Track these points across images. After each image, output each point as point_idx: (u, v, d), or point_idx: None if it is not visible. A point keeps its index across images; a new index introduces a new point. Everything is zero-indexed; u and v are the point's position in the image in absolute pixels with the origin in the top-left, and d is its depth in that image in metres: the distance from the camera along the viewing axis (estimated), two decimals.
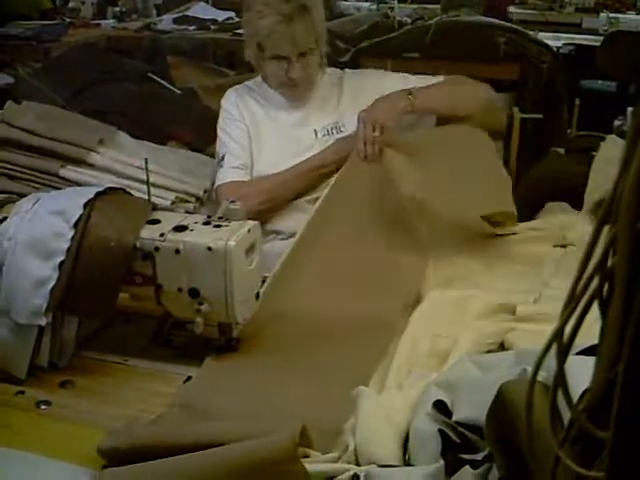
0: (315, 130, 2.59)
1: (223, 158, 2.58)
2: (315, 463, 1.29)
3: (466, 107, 2.53)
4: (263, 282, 1.89)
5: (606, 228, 0.61)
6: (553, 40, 5.27)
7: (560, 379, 0.69)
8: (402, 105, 2.39)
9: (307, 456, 1.31)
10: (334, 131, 2.58)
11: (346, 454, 1.31)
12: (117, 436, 1.38)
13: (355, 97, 2.60)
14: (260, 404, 1.56)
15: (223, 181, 2.54)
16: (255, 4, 2.44)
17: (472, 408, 1.21)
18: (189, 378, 1.67)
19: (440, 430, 1.24)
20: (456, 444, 1.23)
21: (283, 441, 1.22)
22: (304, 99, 2.62)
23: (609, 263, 0.61)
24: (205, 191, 2.66)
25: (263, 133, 2.61)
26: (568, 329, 0.66)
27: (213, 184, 2.62)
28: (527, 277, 2.09)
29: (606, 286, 0.63)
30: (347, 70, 2.76)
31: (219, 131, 2.65)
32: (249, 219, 1.76)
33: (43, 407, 1.57)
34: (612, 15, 6.16)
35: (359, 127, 2.34)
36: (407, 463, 1.28)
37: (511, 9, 6.70)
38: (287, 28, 2.38)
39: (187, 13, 6.17)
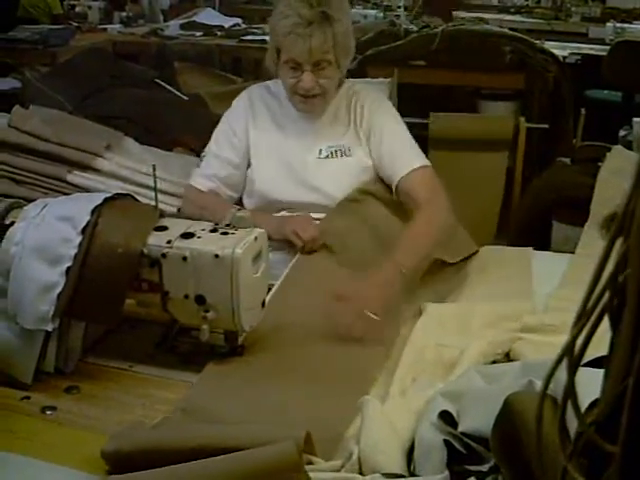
0: (320, 149, 2.48)
1: (202, 160, 2.58)
2: (319, 472, 1.29)
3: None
4: (269, 290, 1.89)
5: (618, 242, 0.61)
6: (559, 49, 5.28)
7: (570, 392, 0.69)
8: (396, 287, 1.97)
9: (310, 463, 1.31)
10: (338, 153, 2.47)
11: (350, 462, 1.31)
12: (120, 439, 1.38)
13: (364, 135, 2.48)
14: (262, 409, 1.56)
15: (192, 182, 2.50)
16: (279, 5, 2.38)
17: (478, 419, 1.20)
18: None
19: (445, 440, 1.24)
20: (461, 455, 1.23)
21: (288, 450, 1.22)
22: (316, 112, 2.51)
23: (620, 278, 0.61)
24: None
25: (265, 140, 2.52)
26: (578, 343, 0.66)
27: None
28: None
29: (617, 300, 0.63)
30: (362, 91, 2.58)
31: (219, 125, 2.58)
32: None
33: (48, 412, 1.57)
34: (618, 25, 6.17)
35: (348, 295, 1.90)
36: (412, 473, 1.28)
37: (517, 18, 6.71)
38: (304, 31, 2.29)
39: (194, 19, 6.19)
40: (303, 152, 2.48)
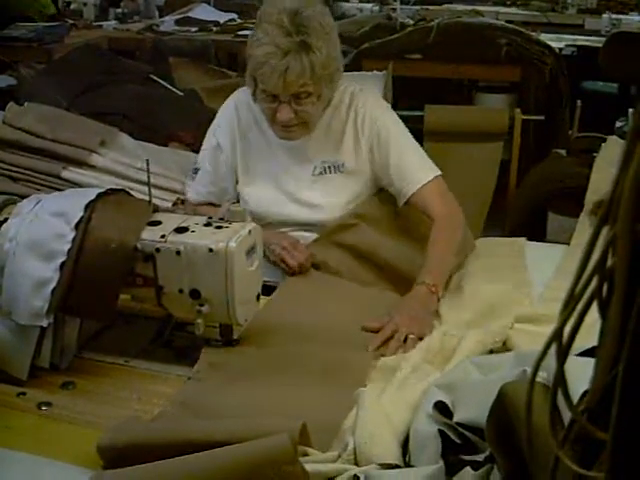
0: (315, 165, 2.35)
1: (196, 172, 2.46)
2: (315, 463, 1.29)
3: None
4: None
5: (605, 229, 0.61)
6: (555, 41, 5.28)
7: (560, 379, 0.69)
8: (433, 310, 1.97)
9: (306, 454, 1.31)
10: (332, 169, 2.34)
11: (345, 453, 1.31)
12: (115, 434, 1.38)
13: (365, 145, 2.33)
14: (259, 402, 1.56)
15: (191, 197, 2.47)
16: (257, 29, 2.19)
17: (473, 409, 1.21)
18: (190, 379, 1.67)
19: (440, 431, 1.24)
20: (456, 445, 1.23)
21: (283, 442, 1.22)
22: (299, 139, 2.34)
23: (608, 264, 0.61)
24: None
25: (254, 157, 2.39)
26: (567, 329, 0.66)
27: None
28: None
29: (605, 286, 0.63)
30: (360, 97, 2.39)
31: (207, 137, 2.48)
32: None
33: (44, 408, 1.57)
34: (614, 16, 6.17)
35: (389, 324, 1.85)
36: (407, 464, 1.28)
37: (513, 10, 6.71)
38: (279, 63, 2.10)
39: (189, 14, 6.19)
40: (296, 170, 2.37)
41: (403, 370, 1.56)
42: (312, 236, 2.32)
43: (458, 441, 1.23)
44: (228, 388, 1.61)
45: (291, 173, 2.36)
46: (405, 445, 1.32)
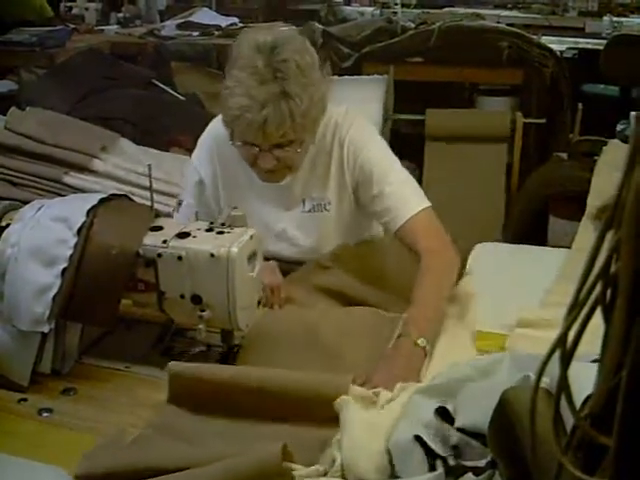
0: (304, 199, 2.22)
1: (180, 204, 2.28)
2: (303, 478, 1.28)
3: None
4: None
5: (610, 234, 0.60)
6: (556, 44, 5.27)
7: (563, 385, 0.69)
8: (419, 367, 1.74)
9: (291, 470, 1.30)
10: (318, 208, 2.22)
11: (333, 469, 1.29)
12: (93, 460, 1.35)
13: (350, 180, 2.18)
14: (238, 424, 1.51)
15: None
16: (229, 75, 2.00)
17: (475, 414, 1.20)
18: None
19: (417, 436, 1.24)
20: (458, 450, 1.23)
21: (269, 456, 1.23)
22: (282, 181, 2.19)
23: (612, 269, 0.61)
24: None
25: (240, 195, 2.22)
26: (571, 335, 0.66)
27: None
28: None
29: (609, 292, 0.63)
30: (344, 125, 2.20)
31: (188, 170, 2.33)
32: None
33: (45, 414, 1.57)
34: (615, 19, 6.17)
35: (367, 386, 1.58)
36: (395, 476, 1.27)
37: (514, 13, 6.71)
38: (257, 116, 1.92)
39: (191, 19, 6.19)
40: (284, 208, 2.24)
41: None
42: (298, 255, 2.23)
43: (430, 443, 1.22)
44: (207, 411, 1.55)
45: (279, 211, 2.24)
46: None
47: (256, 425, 1.50)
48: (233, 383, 1.52)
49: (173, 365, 1.56)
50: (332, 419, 1.37)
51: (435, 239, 2.07)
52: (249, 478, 1.24)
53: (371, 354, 1.78)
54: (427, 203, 2.13)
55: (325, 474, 1.30)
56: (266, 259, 2.05)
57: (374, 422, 1.35)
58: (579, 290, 0.62)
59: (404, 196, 2.13)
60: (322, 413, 1.41)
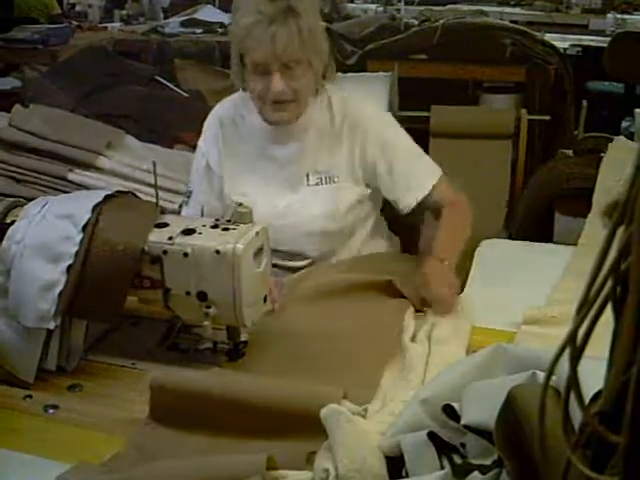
0: (307, 174, 2.24)
1: (189, 195, 2.32)
2: None
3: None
4: None
5: (620, 230, 0.60)
6: (560, 41, 5.27)
7: (573, 382, 0.69)
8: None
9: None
10: (326, 180, 2.24)
11: None
12: None
13: (360, 151, 2.24)
14: (220, 440, 1.45)
15: None
16: (238, 3, 2.11)
17: (481, 412, 1.20)
18: None
19: (430, 433, 1.23)
20: (464, 448, 1.22)
21: (253, 461, 1.24)
22: (296, 132, 2.23)
23: (623, 266, 0.60)
24: None
25: (244, 173, 2.28)
26: (581, 332, 0.65)
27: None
28: None
29: (620, 289, 0.63)
30: (353, 103, 2.30)
31: (196, 156, 2.36)
32: None
33: (51, 411, 1.57)
34: (619, 16, 6.15)
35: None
36: (405, 476, 1.26)
37: (517, 10, 6.70)
38: (267, 30, 2.01)
39: (194, 16, 6.18)
40: (289, 182, 2.26)
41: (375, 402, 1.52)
42: (311, 248, 2.25)
43: (447, 440, 1.22)
44: (187, 431, 1.49)
45: (283, 189, 2.26)
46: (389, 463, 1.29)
47: (240, 442, 1.44)
48: (217, 396, 1.47)
49: (154, 378, 1.51)
50: (320, 432, 1.32)
51: (457, 199, 2.25)
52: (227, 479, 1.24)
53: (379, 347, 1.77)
54: (440, 171, 2.29)
55: None
56: (277, 237, 2.09)
57: (364, 430, 1.32)
58: (589, 287, 0.62)
59: (423, 169, 2.29)
60: (310, 427, 1.35)
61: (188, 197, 2.31)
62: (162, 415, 1.50)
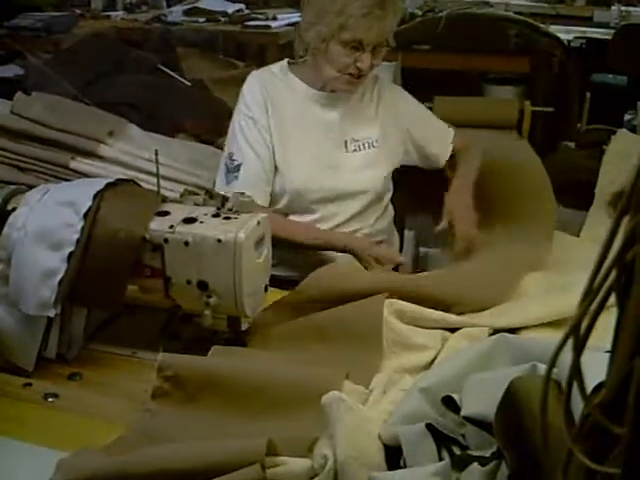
0: (346, 141, 2.40)
1: (238, 169, 2.31)
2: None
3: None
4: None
5: (625, 220, 0.60)
6: (564, 33, 5.26)
7: (575, 373, 0.68)
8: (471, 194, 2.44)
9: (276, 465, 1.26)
10: (365, 146, 2.41)
11: (327, 467, 1.25)
12: (70, 471, 1.29)
13: (403, 127, 2.50)
14: (225, 421, 1.45)
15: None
16: None
17: (481, 404, 1.19)
18: None
19: (428, 425, 1.23)
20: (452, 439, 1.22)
21: (252, 446, 1.24)
22: (343, 98, 2.41)
23: (628, 255, 0.60)
24: (215, 183, 2.64)
25: (290, 132, 2.36)
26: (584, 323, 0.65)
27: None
28: None
29: (624, 278, 0.62)
30: (382, 79, 2.57)
31: (235, 126, 2.37)
32: None
33: (51, 399, 1.57)
34: (624, 8, 6.13)
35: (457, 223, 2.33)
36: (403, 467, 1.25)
37: (522, 1, 6.67)
38: (380, 13, 2.17)
39: (197, 5, 6.17)
40: (331, 148, 2.39)
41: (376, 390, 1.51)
42: (354, 206, 2.42)
43: (446, 432, 1.22)
44: (190, 416, 1.49)
45: (326, 152, 2.38)
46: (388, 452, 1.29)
47: (242, 424, 1.44)
48: (223, 376, 1.49)
49: (163, 359, 1.52)
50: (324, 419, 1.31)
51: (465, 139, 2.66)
52: (226, 463, 1.23)
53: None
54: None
55: (315, 475, 1.26)
56: (322, 198, 2.39)
57: (366, 419, 1.32)
58: (594, 276, 0.61)
59: (444, 126, 2.63)
60: (314, 414, 1.34)
61: (237, 170, 2.32)
62: (166, 396, 1.50)
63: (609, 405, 0.70)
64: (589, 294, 0.62)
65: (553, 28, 5.16)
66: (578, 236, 2.35)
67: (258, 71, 2.48)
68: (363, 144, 2.41)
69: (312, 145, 2.37)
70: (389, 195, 2.56)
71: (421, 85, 3.99)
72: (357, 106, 2.43)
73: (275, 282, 1.87)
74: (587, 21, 6.29)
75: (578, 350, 0.65)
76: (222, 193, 1.99)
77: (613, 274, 0.61)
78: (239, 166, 2.32)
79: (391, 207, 2.60)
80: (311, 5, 2.29)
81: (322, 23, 2.24)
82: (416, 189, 2.71)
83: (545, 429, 0.78)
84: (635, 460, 0.66)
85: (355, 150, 2.40)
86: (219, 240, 1.60)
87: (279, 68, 2.45)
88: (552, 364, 0.70)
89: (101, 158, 2.63)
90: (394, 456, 1.27)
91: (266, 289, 1.76)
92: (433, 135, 2.58)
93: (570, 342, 0.68)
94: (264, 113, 2.35)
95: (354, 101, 2.42)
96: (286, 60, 2.47)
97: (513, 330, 1.69)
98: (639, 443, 0.65)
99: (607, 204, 2.42)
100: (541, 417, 0.76)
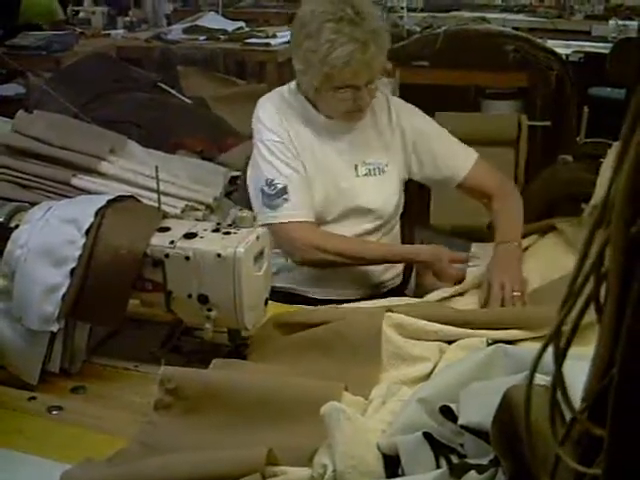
0: (356, 165, 2.37)
1: (285, 191, 2.25)
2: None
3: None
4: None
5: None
6: (562, 48, 5.27)
7: (558, 380, 0.70)
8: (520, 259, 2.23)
9: (275, 475, 1.29)
10: (376, 172, 2.38)
11: (326, 477, 1.24)
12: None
13: (409, 144, 2.43)
14: (222, 439, 1.46)
15: (294, 219, 2.25)
16: (321, 33, 2.14)
17: (478, 412, 1.21)
18: None
19: (425, 433, 1.25)
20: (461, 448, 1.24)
21: (252, 455, 1.26)
22: (351, 125, 2.38)
23: (604, 266, 0.62)
24: (215, 199, 2.67)
25: (307, 156, 2.34)
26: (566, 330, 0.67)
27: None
28: None
29: (602, 288, 0.64)
30: (393, 99, 2.51)
31: (265, 154, 2.31)
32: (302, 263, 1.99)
33: (54, 412, 1.59)
34: (621, 22, 6.15)
35: (495, 287, 2.05)
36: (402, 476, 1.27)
37: (520, 17, 6.70)
38: (364, 55, 2.13)
39: (197, 23, 6.19)
40: (340, 173, 2.37)
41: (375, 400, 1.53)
42: (363, 226, 2.39)
43: (443, 440, 1.24)
44: (191, 428, 1.50)
45: (336, 176, 2.36)
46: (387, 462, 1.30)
47: (243, 435, 1.45)
48: (225, 386, 1.51)
49: (164, 369, 1.54)
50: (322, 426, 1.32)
51: (501, 179, 2.50)
52: (227, 473, 1.25)
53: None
54: (476, 153, 2.49)
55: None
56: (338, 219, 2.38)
57: (365, 428, 1.33)
58: (572, 284, 0.64)
59: (462, 149, 2.48)
60: (315, 425, 1.34)
61: (285, 192, 2.26)
62: (167, 408, 1.51)
63: (592, 411, 0.72)
64: (567, 302, 0.64)
65: (551, 43, 5.18)
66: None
67: (269, 96, 2.42)
68: (374, 169, 2.38)
69: (324, 175, 2.34)
70: (398, 216, 2.54)
71: (419, 101, 4.01)
72: (371, 131, 2.40)
73: (275, 295, 1.89)
74: (585, 35, 6.31)
75: (559, 357, 0.68)
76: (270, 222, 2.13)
77: (590, 284, 0.64)
78: (285, 188, 2.26)
79: (398, 225, 2.57)
80: (297, 54, 2.27)
81: (310, 73, 2.23)
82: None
83: (530, 435, 0.81)
84: (616, 461, 0.68)
85: (366, 174, 2.37)
86: (219, 255, 1.62)
87: (288, 91, 2.40)
88: (533, 370, 0.72)
89: (102, 175, 2.66)
90: (393, 465, 1.29)
91: (266, 302, 1.78)
92: (447, 151, 2.45)
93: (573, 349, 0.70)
94: (287, 135, 2.32)
95: (366, 126, 2.38)
96: (294, 83, 2.40)
97: (510, 341, 1.71)
98: (620, 447, 0.67)
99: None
100: (525, 422, 0.78)
